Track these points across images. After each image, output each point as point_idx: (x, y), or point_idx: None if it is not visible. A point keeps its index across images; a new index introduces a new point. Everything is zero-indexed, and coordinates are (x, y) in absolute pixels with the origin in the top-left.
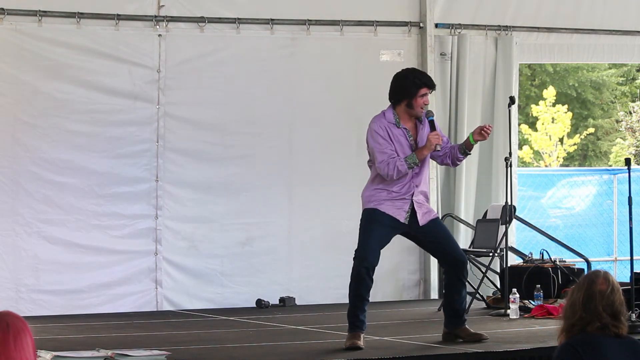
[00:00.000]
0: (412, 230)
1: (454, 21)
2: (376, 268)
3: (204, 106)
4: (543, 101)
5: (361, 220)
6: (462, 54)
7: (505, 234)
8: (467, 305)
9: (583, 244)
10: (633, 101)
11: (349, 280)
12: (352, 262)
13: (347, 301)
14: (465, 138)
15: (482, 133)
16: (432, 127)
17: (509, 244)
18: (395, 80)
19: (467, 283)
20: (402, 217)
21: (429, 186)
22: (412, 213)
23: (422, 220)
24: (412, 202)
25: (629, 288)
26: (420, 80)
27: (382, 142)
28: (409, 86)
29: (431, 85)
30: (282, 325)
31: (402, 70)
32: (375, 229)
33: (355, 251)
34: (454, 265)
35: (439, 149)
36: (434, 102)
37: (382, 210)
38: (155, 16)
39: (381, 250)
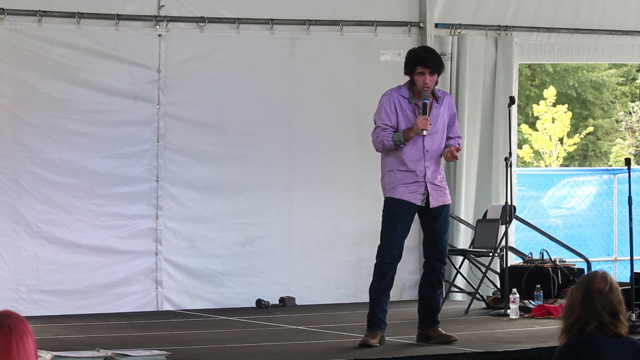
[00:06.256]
0: (423, 210)
1: (454, 21)
2: None
3: (204, 106)
4: (544, 101)
5: (383, 211)
6: (462, 54)
7: (505, 234)
8: (441, 306)
9: (583, 244)
10: (633, 101)
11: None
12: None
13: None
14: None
15: (448, 155)
16: (424, 110)
17: (509, 244)
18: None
19: (443, 283)
20: (418, 200)
21: (441, 164)
22: (427, 195)
23: (433, 202)
24: (425, 184)
25: (629, 288)
26: (415, 58)
27: (383, 116)
28: (408, 62)
29: (427, 64)
30: (282, 325)
31: (415, 47)
32: (398, 224)
33: (378, 248)
34: (433, 260)
35: (424, 133)
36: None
37: (398, 197)
38: (155, 16)
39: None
